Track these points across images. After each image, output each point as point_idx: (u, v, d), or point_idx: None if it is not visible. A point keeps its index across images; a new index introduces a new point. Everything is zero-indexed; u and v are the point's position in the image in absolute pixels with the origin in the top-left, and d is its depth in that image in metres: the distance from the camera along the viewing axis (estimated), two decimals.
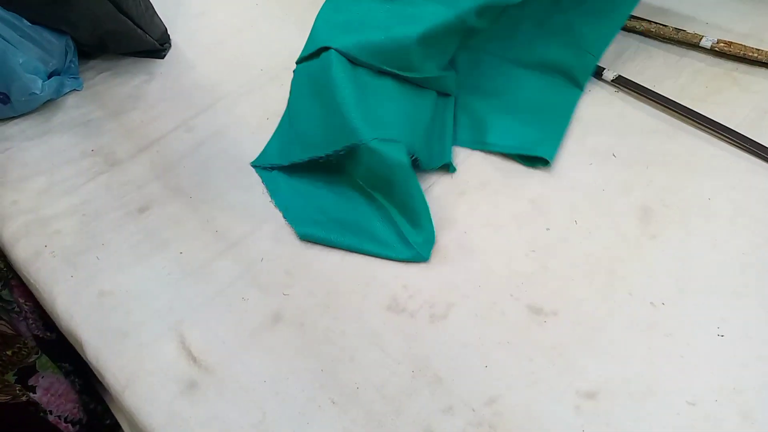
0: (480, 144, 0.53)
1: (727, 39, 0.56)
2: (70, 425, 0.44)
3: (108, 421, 0.48)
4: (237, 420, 0.38)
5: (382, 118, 0.48)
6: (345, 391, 0.39)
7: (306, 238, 0.47)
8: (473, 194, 0.49)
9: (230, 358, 0.41)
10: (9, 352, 0.42)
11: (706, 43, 0.56)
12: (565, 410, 0.39)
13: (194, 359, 0.41)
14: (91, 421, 0.46)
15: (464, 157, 0.52)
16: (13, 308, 0.47)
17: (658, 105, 0.54)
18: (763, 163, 0.48)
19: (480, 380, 0.40)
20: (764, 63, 0.54)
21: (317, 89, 0.51)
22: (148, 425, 0.38)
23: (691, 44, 0.57)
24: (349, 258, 0.46)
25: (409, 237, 0.46)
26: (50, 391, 0.44)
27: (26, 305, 0.48)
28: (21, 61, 0.56)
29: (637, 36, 0.60)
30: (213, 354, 0.41)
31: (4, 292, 0.47)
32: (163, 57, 0.65)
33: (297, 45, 0.54)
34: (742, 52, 0.55)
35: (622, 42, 0.59)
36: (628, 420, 0.38)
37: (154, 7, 0.64)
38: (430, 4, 0.52)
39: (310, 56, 0.52)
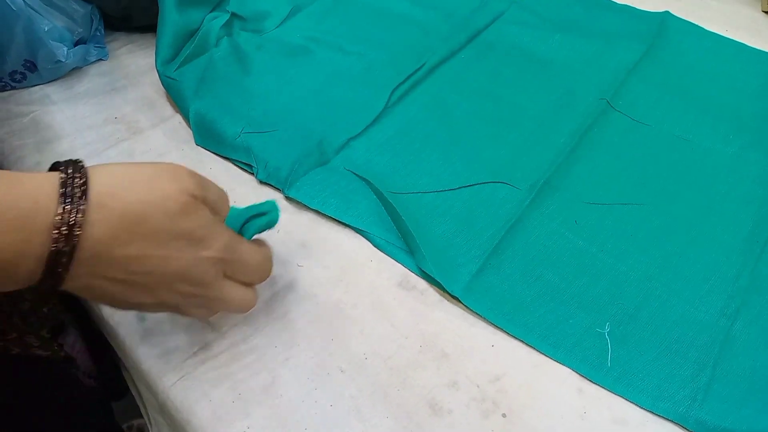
0: None
1: None
2: (92, 380, 0.45)
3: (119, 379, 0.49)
4: (247, 381, 0.39)
5: None
6: (353, 360, 0.40)
7: None
8: None
9: (243, 324, 0.42)
10: (45, 309, 0.43)
11: None
12: (568, 392, 0.39)
13: (208, 322, 0.42)
14: (101, 376, 0.47)
15: None
16: None
17: None
18: None
19: (486, 358, 0.41)
20: None
21: None
22: (160, 383, 0.39)
23: None
24: (363, 235, 0.47)
25: None
26: (75, 348, 0.45)
27: None
28: (46, 29, 0.57)
29: None
30: (227, 319, 0.42)
31: None
32: None
33: None
34: None
35: None
36: (629, 404, 0.39)
37: None
38: None
39: None
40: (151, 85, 0.60)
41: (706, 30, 0.66)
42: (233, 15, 0.61)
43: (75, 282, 0.30)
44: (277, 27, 0.63)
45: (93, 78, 0.61)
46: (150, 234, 0.30)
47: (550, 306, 0.43)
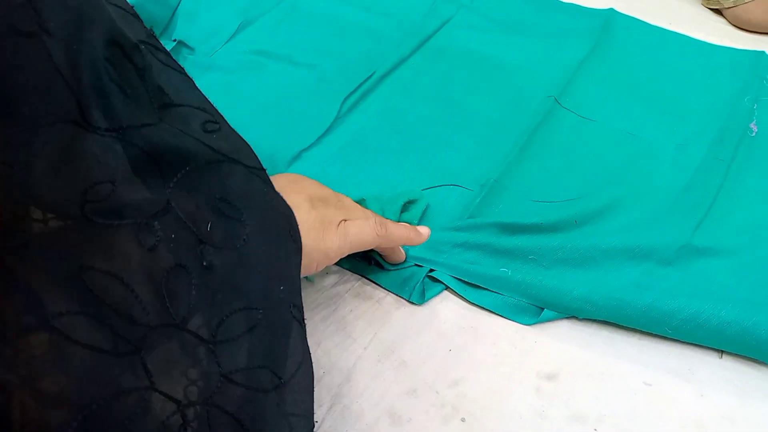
0: None
1: None
2: None
3: None
4: None
5: None
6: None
7: None
8: None
9: None
10: None
11: None
12: (527, 391, 0.40)
13: None
14: None
15: None
16: None
17: None
18: None
19: (444, 363, 0.41)
20: None
21: None
22: None
23: None
24: None
25: None
26: None
27: None
28: None
29: None
30: None
31: None
32: None
33: None
34: None
35: None
36: (586, 400, 0.39)
37: None
38: None
39: None
40: None
41: (651, 24, 0.67)
42: (179, 43, 0.61)
43: None
44: (226, 42, 0.63)
45: None
46: None
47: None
